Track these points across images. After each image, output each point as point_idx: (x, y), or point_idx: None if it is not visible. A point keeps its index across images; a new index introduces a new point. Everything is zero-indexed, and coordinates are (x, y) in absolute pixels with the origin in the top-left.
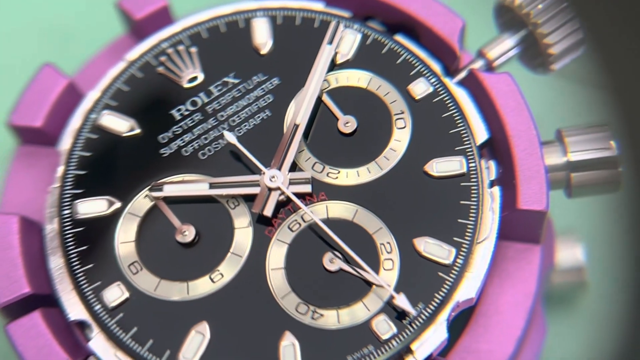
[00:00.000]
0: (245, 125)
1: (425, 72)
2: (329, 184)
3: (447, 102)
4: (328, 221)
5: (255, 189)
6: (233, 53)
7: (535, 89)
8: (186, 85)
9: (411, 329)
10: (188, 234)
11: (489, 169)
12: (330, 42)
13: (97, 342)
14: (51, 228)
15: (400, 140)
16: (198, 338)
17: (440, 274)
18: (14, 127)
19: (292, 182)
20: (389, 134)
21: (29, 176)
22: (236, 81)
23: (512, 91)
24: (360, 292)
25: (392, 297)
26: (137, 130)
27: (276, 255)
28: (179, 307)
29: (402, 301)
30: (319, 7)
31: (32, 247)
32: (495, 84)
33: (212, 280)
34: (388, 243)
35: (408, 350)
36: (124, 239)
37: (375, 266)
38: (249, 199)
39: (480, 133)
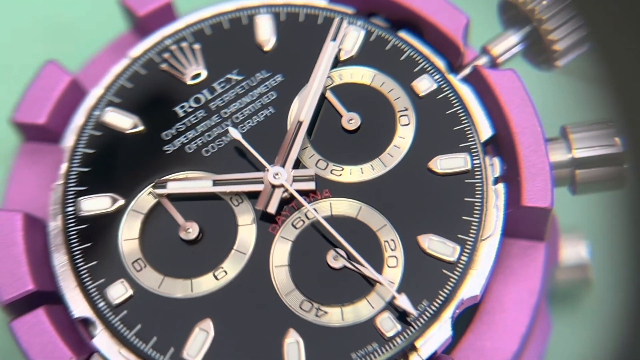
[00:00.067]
0: (248, 122)
1: (429, 68)
2: (333, 181)
3: (451, 98)
4: (332, 218)
5: (258, 186)
6: (236, 50)
7: (540, 85)
8: (189, 82)
9: (415, 326)
10: (192, 231)
11: (493, 166)
12: (334, 39)
13: (101, 339)
14: (55, 225)
15: (404, 137)
16: (202, 335)
17: (444, 271)
18: (18, 124)
19: (295, 179)
20: (392, 131)
21: (33, 173)
22: (239, 78)
23: (517, 88)
24: (364, 290)
25: (393, 298)
26: (141, 127)
27: (280, 253)
28: (183, 304)
29: (403, 301)
30: (323, 3)
31: (36, 244)
32: (499, 81)
33: (215, 277)
34: (392, 240)
35: (412, 348)
36: (128, 236)
37: (379, 263)
38: (253, 196)
39: (484, 130)
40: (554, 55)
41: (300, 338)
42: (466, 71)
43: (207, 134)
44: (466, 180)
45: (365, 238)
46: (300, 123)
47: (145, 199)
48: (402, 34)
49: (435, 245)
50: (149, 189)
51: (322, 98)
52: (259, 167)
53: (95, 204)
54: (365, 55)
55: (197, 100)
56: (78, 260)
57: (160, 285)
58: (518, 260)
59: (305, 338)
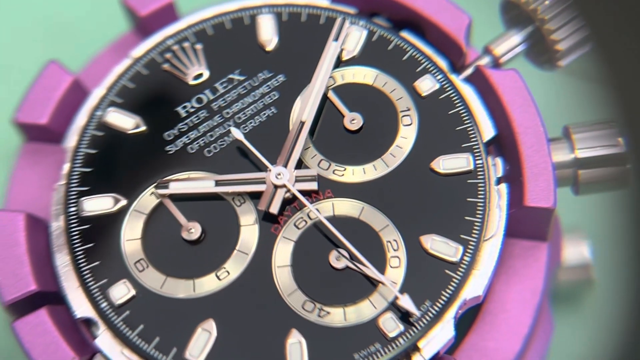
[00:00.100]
0: (250, 123)
1: (431, 68)
2: (335, 181)
3: (454, 98)
4: (334, 219)
5: (261, 187)
6: (238, 50)
7: (542, 85)
8: (192, 82)
9: (418, 326)
10: (194, 231)
11: (496, 166)
12: (336, 39)
13: (104, 339)
14: (57, 225)
15: (406, 137)
16: (204, 335)
17: (447, 271)
18: (20, 125)
19: (298, 180)
20: (395, 131)
21: (35, 173)
22: (242, 78)
23: (519, 88)
24: (367, 290)
25: (396, 298)
26: (143, 128)
27: (282, 253)
28: (185, 304)
29: (406, 302)
30: (325, 3)
31: (38, 245)
32: (502, 81)
33: (218, 277)
34: (395, 240)
35: (415, 348)
36: (130, 237)
37: (382, 264)
38: (255, 196)
39: (487, 130)
40: (557, 55)
41: (302, 338)
42: (468, 71)
43: (209, 134)
44: (469, 181)
45: (367, 238)
46: (302, 123)
47: (147, 199)
48: (405, 34)
49: (437, 245)
50: (151, 189)
51: (325, 98)
52: (261, 168)
53: (98, 204)
54: (368, 55)
55: (199, 101)
56: (80, 261)
57: (162, 285)
58: (521, 261)
59: (307, 338)
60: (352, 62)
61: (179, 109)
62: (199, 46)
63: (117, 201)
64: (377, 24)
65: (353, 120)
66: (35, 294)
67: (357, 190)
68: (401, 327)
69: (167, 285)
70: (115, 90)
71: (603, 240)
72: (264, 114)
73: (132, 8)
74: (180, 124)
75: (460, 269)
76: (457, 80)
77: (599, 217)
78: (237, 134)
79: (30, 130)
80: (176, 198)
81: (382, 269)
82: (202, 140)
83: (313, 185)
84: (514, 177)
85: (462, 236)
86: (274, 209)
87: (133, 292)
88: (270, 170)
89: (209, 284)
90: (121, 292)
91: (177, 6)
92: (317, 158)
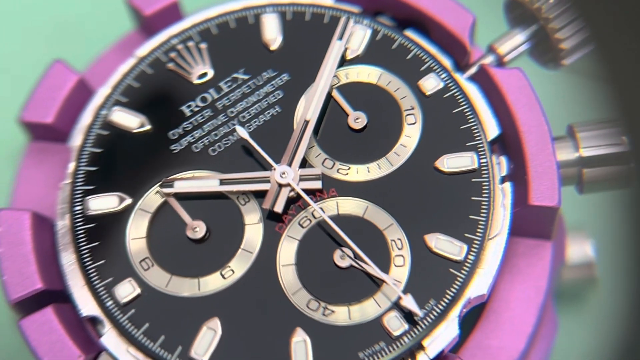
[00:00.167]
0: (255, 122)
1: (435, 67)
2: (340, 180)
3: (458, 97)
4: (338, 217)
5: (265, 185)
6: (243, 49)
7: (546, 84)
8: (196, 81)
9: (423, 325)
10: (199, 230)
11: (500, 165)
12: (340, 38)
13: (109, 338)
14: (63, 224)
15: (410, 136)
16: (210, 334)
17: (451, 270)
18: (25, 124)
19: (302, 179)
20: (399, 130)
21: (40, 172)
22: (246, 77)
23: (523, 86)
24: (371, 289)
25: (399, 298)
26: (148, 127)
27: (287, 252)
28: (190, 303)
29: (409, 302)
30: (329, 2)
31: (44, 243)
32: (506, 79)
33: (223, 276)
34: (399, 239)
35: (420, 347)
36: (135, 235)
37: (386, 263)
38: (260, 195)
39: (491, 129)
40: (561, 54)
41: (307, 337)
42: (473, 70)
43: (213, 133)
44: (473, 179)
45: (372, 237)
46: (306, 122)
47: (152, 198)
48: (409, 33)
49: (442, 244)
50: (156, 188)
51: (329, 97)
52: (266, 166)
53: (103, 203)
54: (372, 54)
55: (204, 100)
56: (86, 259)
57: (167, 284)
58: (525, 259)
59: (312, 337)
60: (356, 61)
61: (184, 108)
62: (203, 45)
63: (122, 200)
64: (381, 22)
65: (357, 119)
66: (41, 292)
67: (362, 189)
68: (406, 326)
69: (172, 284)
70: (120, 89)
71: (607, 239)
72: (268, 113)
73: (136, 7)
74: (185, 123)
75: (465, 268)
76: (461, 79)
77: (603, 216)
78: (242, 132)
79: (36, 129)
80: (181, 197)
81: (386, 268)
82: (207, 139)
83: (317, 184)
84: (518, 176)
85: (466, 235)
86: (279, 207)
87: (138, 290)
88: (274, 169)
89: (213, 282)
90: (126, 290)
91: (181, 5)
92: (321, 157)
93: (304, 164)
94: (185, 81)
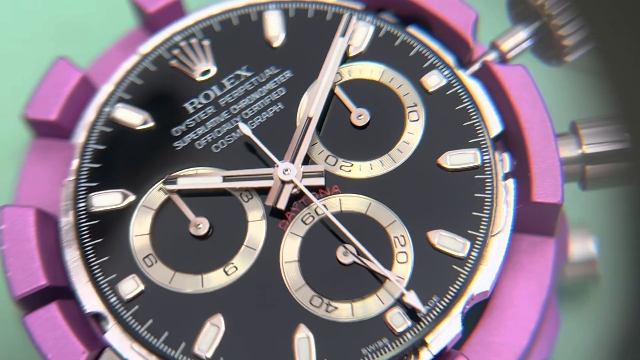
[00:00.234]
0: (258, 118)
1: (438, 64)
2: (342, 177)
3: (461, 94)
4: (341, 214)
5: (268, 182)
6: (245, 46)
7: (549, 81)
8: (199, 78)
9: (426, 322)
10: (202, 226)
11: (503, 162)
12: (343, 35)
13: (113, 334)
14: (66, 221)
15: (413, 133)
16: (213, 330)
17: (454, 266)
18: (29, 121)
19: (305, 175)
20: (402, 127)
21: (44, 169)
22: (249, 74)
23: (526, 83)
24: (374, 286)
25: (402, 295)
26: (151, 124)
27: (290, 248)
28: (194, 299)
29: (412, 299)
30: None
31: (48, 240)
32: (509, 76)
33: (226, 273)
34: (402, 236)
35: (423, 343)
36: (139, 232)
37: (389, 259)
38: (263, 192)
39: (494, 125)
40: (564, 50)
41: (310, 333)
42: (475, 67)
43: (216, 130)
44: (476, 176)
45: (374, 234)
46: (309, 119)
47: (155, 195)
48: (411, 30)
49: (445, 241)
50: (159, 184)
51: (331, 94)
52: (269, 163)
53: (106, 199)
54: (375, 51)
55: (207, 97)
56: (90, 256)
57: (171, 280)
58: (528, 256)
59: (315, 333)
60: (359, 57)
61: (187, 105)
62: (206, 42)
63: (125, 197)
64: (384, 19)
65: (360, 116)
66: (45, 288)
67: (364, 186)
68: (409, 322)
69: (175, 281)
70: (124, 86)
71: (609, 235)
72: (271, 110)
73: (139, 5)
74: (188, 120)
75: (468, 265)
76: (464, 75)
77: (606, 213)
78: (245, 129)
79: (40, 126)
80: (184, 194)
81: (389, 265)
82: (210, 136)
83: (320, 181)
84: (521, 173)
85: (469, 232)
86: (282, 204)
87: (142, 287)
88: (277, 166)
89: (217, 279)
90: (130, 287)
91: (184, 3)
92: (324, 154)
93: (307, 160)
94: (188, 78)
